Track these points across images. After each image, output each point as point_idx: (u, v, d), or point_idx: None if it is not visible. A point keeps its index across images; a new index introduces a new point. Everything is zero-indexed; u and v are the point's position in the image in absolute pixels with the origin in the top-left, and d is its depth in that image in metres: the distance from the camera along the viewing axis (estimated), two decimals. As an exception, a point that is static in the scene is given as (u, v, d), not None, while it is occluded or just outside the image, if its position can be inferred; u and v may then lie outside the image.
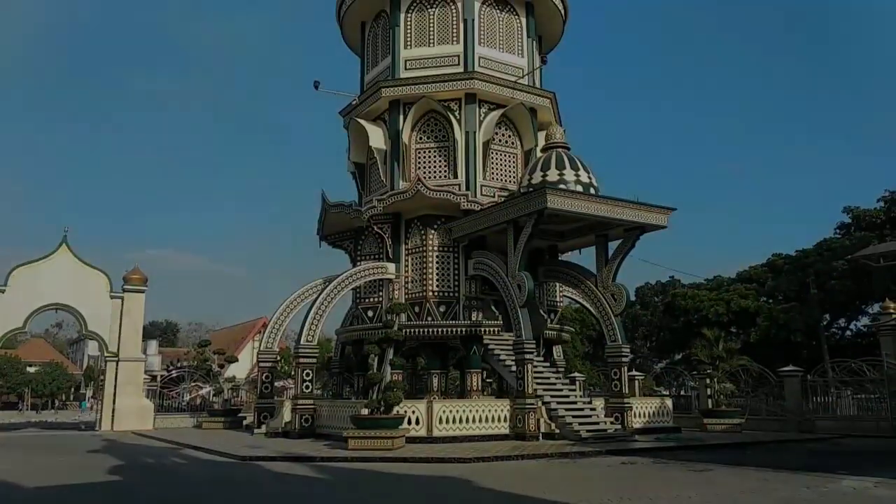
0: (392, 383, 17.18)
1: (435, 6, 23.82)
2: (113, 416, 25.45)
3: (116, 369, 25.80)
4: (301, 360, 20.66)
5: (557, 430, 18.29)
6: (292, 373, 26.40)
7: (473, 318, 21.24)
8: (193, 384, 32.37)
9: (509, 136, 23.55)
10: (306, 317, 20.91)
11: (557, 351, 24.87)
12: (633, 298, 42.66)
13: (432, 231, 22.00)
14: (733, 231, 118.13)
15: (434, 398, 19.51)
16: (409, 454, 14.92)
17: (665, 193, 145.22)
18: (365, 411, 16.61)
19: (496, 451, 15.40)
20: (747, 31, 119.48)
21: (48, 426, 31.02)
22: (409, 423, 17.33)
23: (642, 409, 21.02)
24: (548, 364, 21.65)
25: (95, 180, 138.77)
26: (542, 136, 23.52)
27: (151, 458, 15.85)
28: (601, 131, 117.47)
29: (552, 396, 19.22)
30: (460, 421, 17.87)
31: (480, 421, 18.13)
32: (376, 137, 23.28)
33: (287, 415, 20.73)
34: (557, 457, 14.93)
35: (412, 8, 23.94)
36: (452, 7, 23.64)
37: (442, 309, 21.48)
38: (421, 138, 23.16)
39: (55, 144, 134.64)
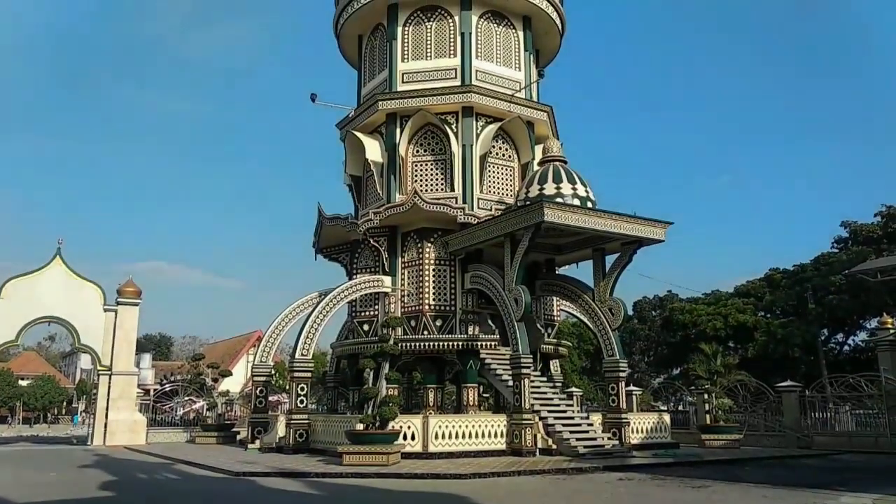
0: (388, 398, 17.01)
1: (432, 20, 23.89)
2: (105, 430, 25.21)
3: (109, 383, 25.58)
4: (296, 374, 20.53)
5: (555, 446, 18.10)
6: (287, 387, 26.27)
7: (470, 333, 21.12)
8: (187, 398, 32.14)
9: (506, 150, 23.55)
10: (301, 330, 20.75)
11: (555, 365, 24.73)
12: (630, 313, 42.32)
13: (429, 244, 21.92)
14: (731, 245, 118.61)
15: (430, 413, 19.33)
16: (405, 470, 14.76)
17: (662, 207, 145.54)
18: (360, 426, 16.44)
19: (493, 467, 15.24)
20: (746, 44, 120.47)
21: (39, 440, 30.76)
22: (405, 438, 17.16)
23: (640, 425, 20.85)
24: (545, 379, 21.49)
25: (88, 192, 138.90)
26: (539, 149, 23.49)
27: (144, 474, 15.66)
28: (598, 145, 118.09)
29: (549, 412, 19.07)
30: (456, 436, 17.71)
31: (477, 436, 17.96)
32: (373, 150, 23.25)
33: (281, 430, 20.53)
34: (554, 473, 14.77)
35: (409, 21, 24.01)
36: (449, 21, 23.72)
37: (438, 323, 21.35)
38: (418, 151, 23.14)
39: (48, 156, 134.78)
